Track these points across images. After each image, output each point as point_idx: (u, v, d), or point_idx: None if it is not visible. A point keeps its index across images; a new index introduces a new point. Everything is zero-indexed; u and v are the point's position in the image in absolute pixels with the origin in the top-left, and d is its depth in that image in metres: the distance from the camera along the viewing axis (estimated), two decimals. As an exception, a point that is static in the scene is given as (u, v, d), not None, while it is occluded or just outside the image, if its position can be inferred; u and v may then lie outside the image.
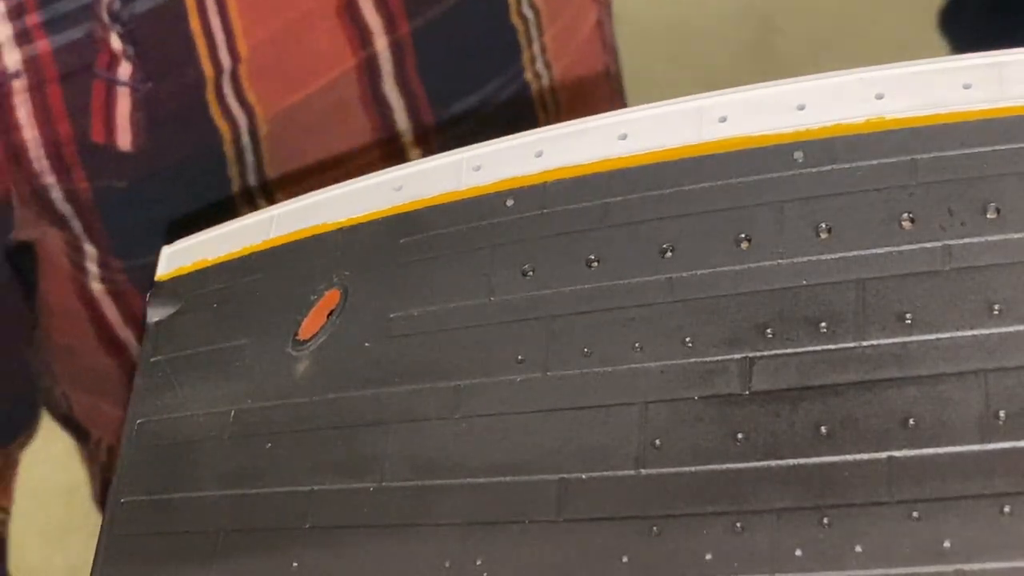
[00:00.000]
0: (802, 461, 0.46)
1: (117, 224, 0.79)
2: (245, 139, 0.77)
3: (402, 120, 0.81)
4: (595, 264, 0.53)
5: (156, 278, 0.68)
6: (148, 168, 0.76)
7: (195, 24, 0.72)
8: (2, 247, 0.79)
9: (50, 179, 0.76)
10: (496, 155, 0.59)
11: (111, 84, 0.72)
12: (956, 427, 0.44)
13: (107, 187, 0.77)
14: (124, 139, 0.74)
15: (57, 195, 0.77)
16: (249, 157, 0.78)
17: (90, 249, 0.80)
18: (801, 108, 0.53)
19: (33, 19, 0.69)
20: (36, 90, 0.72)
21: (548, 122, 0.83)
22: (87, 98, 0.73)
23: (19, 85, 0.71)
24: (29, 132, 0.73)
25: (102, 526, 0.62)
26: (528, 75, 0.84)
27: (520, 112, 0.85)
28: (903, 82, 0.51)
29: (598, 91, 0.89)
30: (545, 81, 0.85)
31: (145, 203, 0.78)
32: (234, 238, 0.66)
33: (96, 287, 0.82)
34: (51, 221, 0.79)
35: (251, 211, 0.72)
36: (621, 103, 0.91)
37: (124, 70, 0.72)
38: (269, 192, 0.80)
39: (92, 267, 0.81)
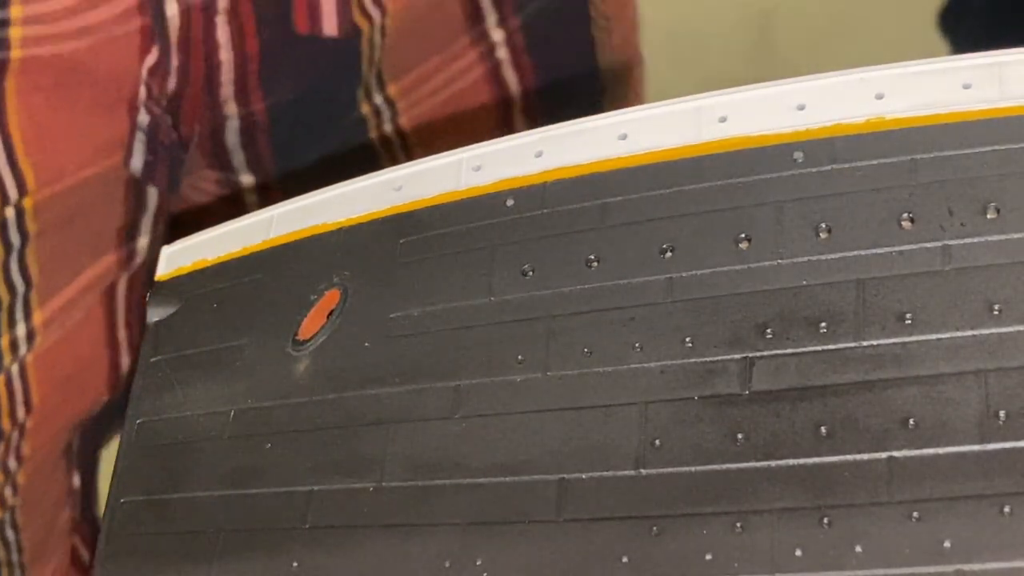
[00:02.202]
0: (802, 461, 0.46)
1: (280, 143, 0.80)
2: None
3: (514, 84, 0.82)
4: (595, 264, 0.53)
5: (156, 278, 0.68)
6: (312, 76, 0.78)
7: None
8: (174, 186, 0.80)
9: (231, 108, 0.77)
10: (496, 155, 0.59)
11: None
12: (956, 427, 0.44)
13: (278, 104, 0.78)
14: (330, 25, 0.74)
15: (233, 125, 0.78)
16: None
17: (247, 179, 0.82)
18: (801, 108, 0.53)
19: None
20: (233, 11, 0.73)
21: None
22: (274, 6, 0.74)
23: (223, 4, 0.72)
24: (225, 53, 0.74)
25: (102, 526, 0.62)
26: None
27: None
28: (903, 82, 0.51)
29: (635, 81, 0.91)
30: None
31: (309, 120, 0.80)
32: (234, 238, 0.66)
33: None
34: (213, 164, 0.80)
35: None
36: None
37: None
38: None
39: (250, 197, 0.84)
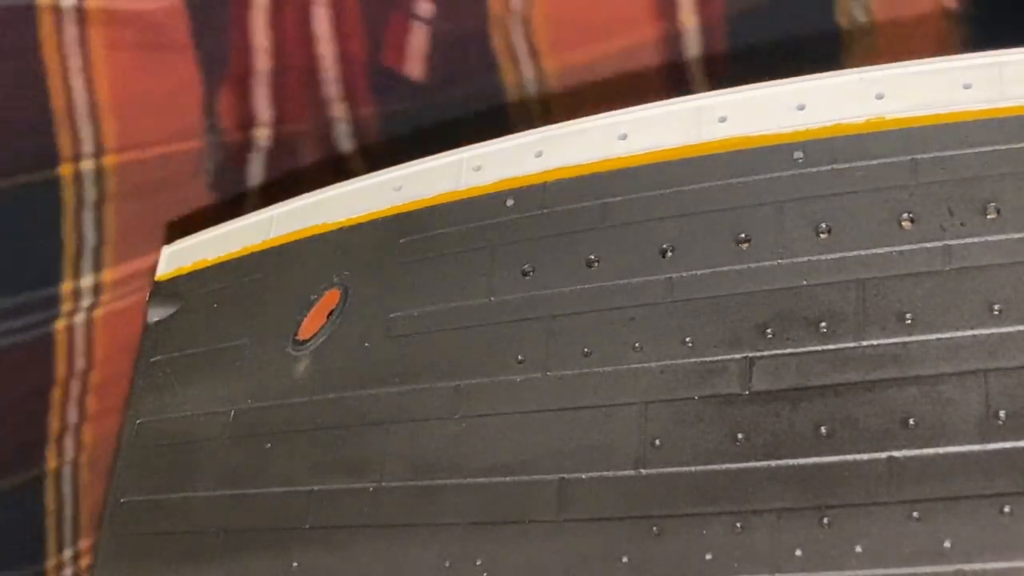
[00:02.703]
0: (802, 461, 0.46)
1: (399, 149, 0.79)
2: (529, 79, 0.77)
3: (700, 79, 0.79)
4: (595, 264, 0.53)
5: (156, 278, 0.68)
6: (429, 96, 0.77)
7: None
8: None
9: (340, 110, 0.76)
10: (496, 155, 0.59)
11: (410, 18, 0.73)
12: (956, 427, 0.44)
13: (391, 112, 0.77)
14: (414, 69, 0.74)
15: (343, 129, 0.77)
16: (532, 96, 0.78)
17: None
18: (801, 108, 0.53)
19: None
20: (335, 4, 0.72)
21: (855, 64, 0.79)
22: (380, 18, 0.73)
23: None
24: (325, 47, 0.74)
25: (102, 526, 0.62)
26: (840, 18, 0.81)
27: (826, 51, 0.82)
28: (903, 82, 0.51)
29: (929, 32, 0.85)
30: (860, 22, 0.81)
31: (422, 129, 0.79)
32: (234, 238, 0.66)
33: None
34: (325, 155, 0.79)
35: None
36: (960, 46, 0.86)
37: (425, 8, 0.73)
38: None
39: None
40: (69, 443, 0.78)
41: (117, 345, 0.78)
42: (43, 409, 0.77)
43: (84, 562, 0.81)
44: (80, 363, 0.77)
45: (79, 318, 0.75)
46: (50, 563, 0.79)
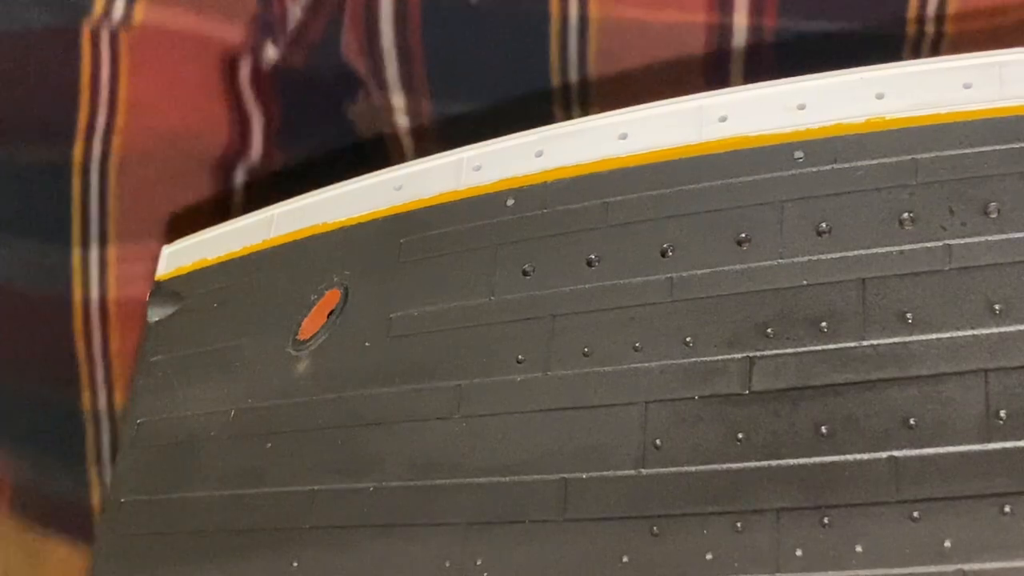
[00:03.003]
0: (802, 461, 0.46)
1: (439, 71, 0.78)
2: (573, 22, 0.76)
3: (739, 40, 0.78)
4: (595, 264, 0.53)
5: (156, 278, 0.68)
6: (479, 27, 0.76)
7: None
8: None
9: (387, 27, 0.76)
10: (496, 155, 0.59)
11: None
12: (957, 427, 0.44)
13: (438, 35, 0.76)
14: None
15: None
16: (572, 47, 0.78)
17: (398, 101, 0.80)
18: (801, 108, 0.53)
19: None
20: None
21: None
22: None
23: None
24: None
25: (101, 526, 0.62)
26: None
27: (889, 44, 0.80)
28: (903, 82, 0.51)
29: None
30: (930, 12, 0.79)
31: (465, 60, 0.78)
32: (234, 238, 0.66)
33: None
34: (376, 79, 0.79)
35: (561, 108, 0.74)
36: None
37: None
38: (585, 92, 0.78)
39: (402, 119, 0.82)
40: (97, 145, 0.78)
41: (143, 87, 0.78)
42: (72, 105, 0.77)
43: (111, 253, 0.80)
44: (102, 114, 0.77)
45: (105, 71, 0.76)
46: (75, 254, 0.78)
